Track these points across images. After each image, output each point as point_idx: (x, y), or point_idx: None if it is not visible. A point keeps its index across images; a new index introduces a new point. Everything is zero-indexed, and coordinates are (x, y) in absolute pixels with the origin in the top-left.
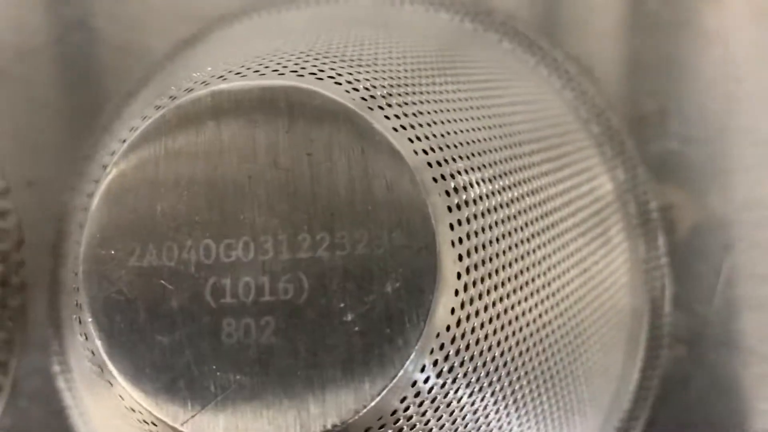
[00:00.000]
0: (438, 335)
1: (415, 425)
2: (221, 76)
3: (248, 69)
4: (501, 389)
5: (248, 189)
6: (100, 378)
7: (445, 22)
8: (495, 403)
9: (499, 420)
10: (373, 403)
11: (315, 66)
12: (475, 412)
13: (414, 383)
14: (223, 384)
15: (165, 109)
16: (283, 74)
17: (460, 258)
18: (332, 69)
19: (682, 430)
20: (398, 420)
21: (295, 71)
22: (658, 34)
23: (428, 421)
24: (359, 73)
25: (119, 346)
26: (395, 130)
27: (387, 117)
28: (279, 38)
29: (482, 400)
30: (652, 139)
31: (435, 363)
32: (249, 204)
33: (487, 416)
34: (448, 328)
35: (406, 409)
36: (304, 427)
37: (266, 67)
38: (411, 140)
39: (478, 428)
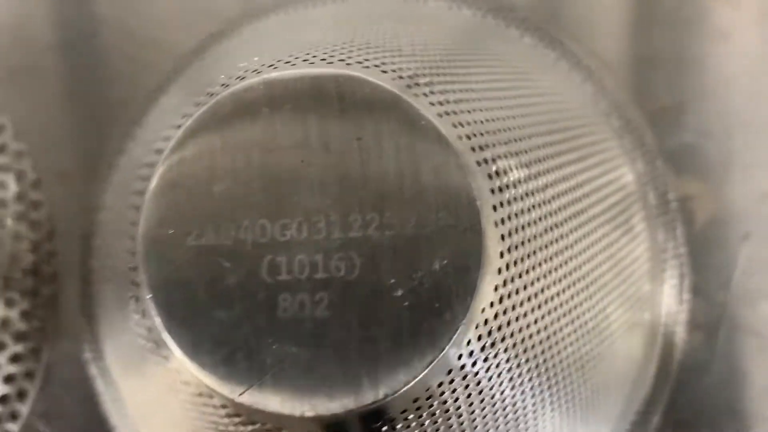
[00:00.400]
0: (483, 311)
1: (458, 398)
2: (271, 65)
3: (297, 58)
4: (536, 366)
5: (301, 172)
6: (154, 354)
7: (468, 18)
8: (530, 380)
9: (533, 396)
10: (421, 375)
11: (360, 56)
12: (512, 388)
13: (459, 356)
14: (279, 357)
15: (219, 96)
16: (331, 63)
17: (503, 238)
18: (376, 58)
19: (700, 415)
20: (443, 393)
21: (343, 60)
22: (673, 31)
23: (470, 394)
24: (402, 62)
25: (178, 322)
26: (440, 116)
27: (432, 104)
28: (315, 32)
29: (519, 376)
30: (669, 133)
31: (479, 338)
32: (302, 186)
33: (522, 392)
34: (491, 305)
35: (451, 381)
36: (357, 398)
37: (314, 56)
38: (455, 126)
39: (515, 404)
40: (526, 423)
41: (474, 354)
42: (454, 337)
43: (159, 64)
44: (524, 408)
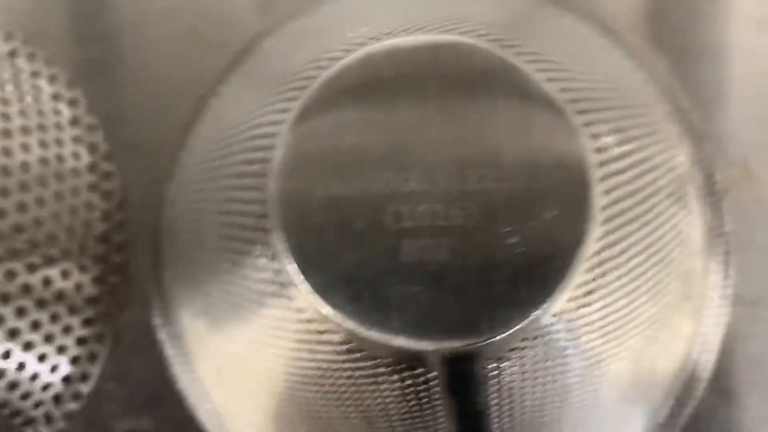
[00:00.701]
0: (587, 259)
1: (559, 340)
2: (388, 33)
3: (411, 27)
4: (621, 318)
5: (422, 131)
6: (276, 297)
7: (527, 3)
8: (614, 330)
9: (617, 347)
10: (533, 316)
11: (466, 27)
12: (602, 336)
13: (566, 300)
14: (403, 296)
15: (344, 60)
16: (446, 32)
17: (604, 194)
18: (480, 29)
19: (743, 384)
20: (548, 334)
21: (454, 30)
22: (714, 22)
23: (569, 338)
24: (505, 33)
25: (310, 263)
26: (549, 81)
27: (539, 70)
28: (414, 7)
29: (608, 325)
30: (713, 120)
31: (583, 284)
32: (423, 144)
33: (608, 342)
34: (593, 254)
35: (555, 323)
36: (475, 335)
37: (427, 26)
38: (562, 91)
39: (601, 352)
40: (608, 370)
41: (577, 299)
42: (563, 281)
43: (227, 44)
44: (606, 358)
